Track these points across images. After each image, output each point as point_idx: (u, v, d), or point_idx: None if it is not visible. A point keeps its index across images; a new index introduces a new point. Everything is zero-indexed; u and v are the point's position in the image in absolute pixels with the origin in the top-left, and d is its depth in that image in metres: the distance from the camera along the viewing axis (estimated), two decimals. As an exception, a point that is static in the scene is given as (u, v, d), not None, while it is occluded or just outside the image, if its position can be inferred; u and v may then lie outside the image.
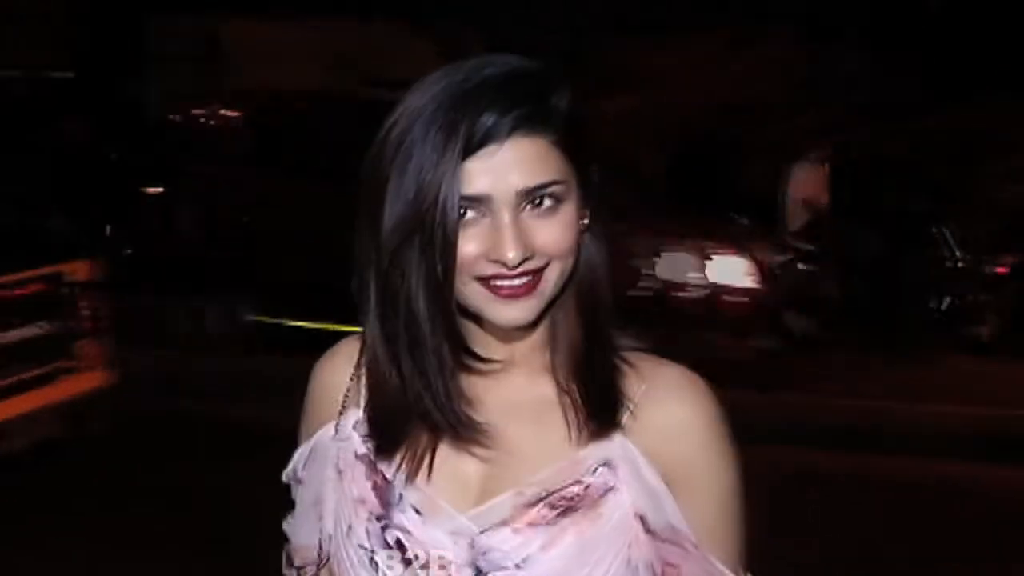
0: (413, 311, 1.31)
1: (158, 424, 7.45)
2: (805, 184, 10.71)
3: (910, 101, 12.65)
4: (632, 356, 1.40)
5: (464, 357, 1.36)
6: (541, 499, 1.34)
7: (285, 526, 1.55)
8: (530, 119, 1.28)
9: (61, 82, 21.08)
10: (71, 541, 5.56)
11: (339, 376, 1.48)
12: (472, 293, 1.33)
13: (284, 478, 1.54)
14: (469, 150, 1.27)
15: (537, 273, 1.32)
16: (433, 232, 1.27)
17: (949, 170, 11.80)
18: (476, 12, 14.92)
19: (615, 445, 1.36)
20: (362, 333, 1.39)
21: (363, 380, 1.42)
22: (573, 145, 1.32)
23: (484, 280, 1.32)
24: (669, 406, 1.36)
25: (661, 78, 13.53)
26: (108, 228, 11.65)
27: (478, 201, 1.29)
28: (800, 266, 10.18)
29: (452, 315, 1.33)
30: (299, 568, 1.53)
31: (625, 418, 1.36)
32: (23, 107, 19.86)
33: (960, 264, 10.73)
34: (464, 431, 1.36)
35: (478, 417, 1.37)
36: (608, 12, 13.92)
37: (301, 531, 1.52)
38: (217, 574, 5.26)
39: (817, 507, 6.35)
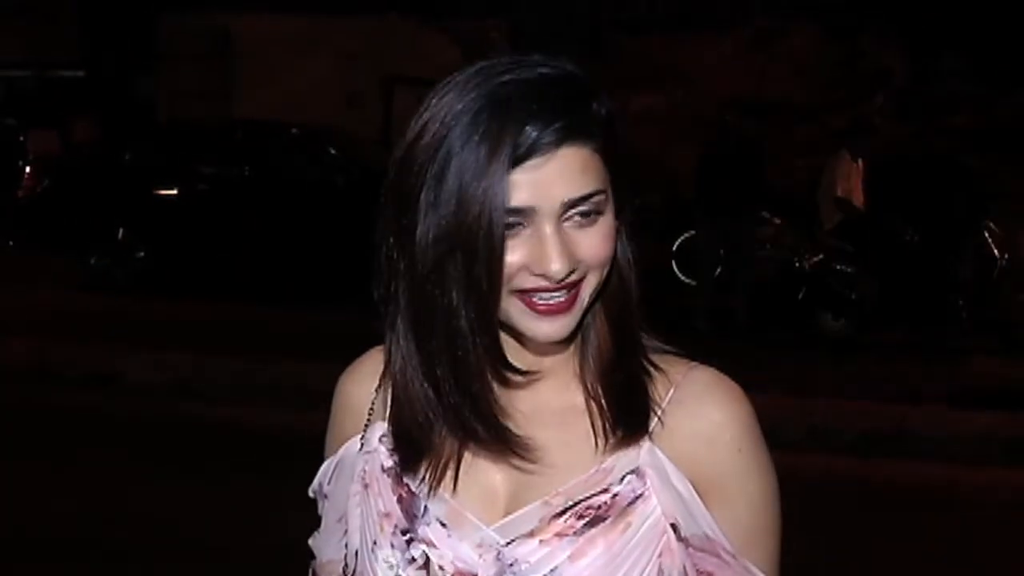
0: (454, 326, 1.28)
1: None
2: (840, 182, 10.49)
3: (946, 96, 12.43)
4: (661, 359, 1.38)
5: (503, 370, 1.32)
6: (568, 509, 1.31)
7: (311, 542, 1.51)
8: (575, 129, 1.26)
9: (71, 81, 21.02)
10: None
11: (364, 389, 1.45)
12: (510, 307, 1.29)
13: (310, 493, 1.50)
14: (515, 162, 1.24)
15: (575, 286, 1.29)
16: (478, 246, 1.25)
17: (989, 167, 11.59)
18: (497, 7, 14.76)
19: (643, 452, 1.33)
20: (386, 344, 1.36)
21: (389, 392, 1.39)
22: (611, 151, 1.29)
23: (523, 293, 1.28)
24: (699, 410, 1.34)
25: (687, 75, 13.36)
26: (121, 231, 11.47)
27: (521, 213, 1.25)
28: (836, 266, 10.01)
29: (495, 330, 1.30)
30: None
31: (653, 424, 1.34)
32: (34, 106, 19.80)
33: (1001, 264, 10.52)
34: (507, 445, 1.32)
35: (517, 430, 1.33)
36: (633, 8, 13.77)
37: (327, 547, 1.48)
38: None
39: (845, 513, 6.27)
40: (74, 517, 5.82)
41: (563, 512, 1.31)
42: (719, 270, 10.70)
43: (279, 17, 17.67)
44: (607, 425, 1.34)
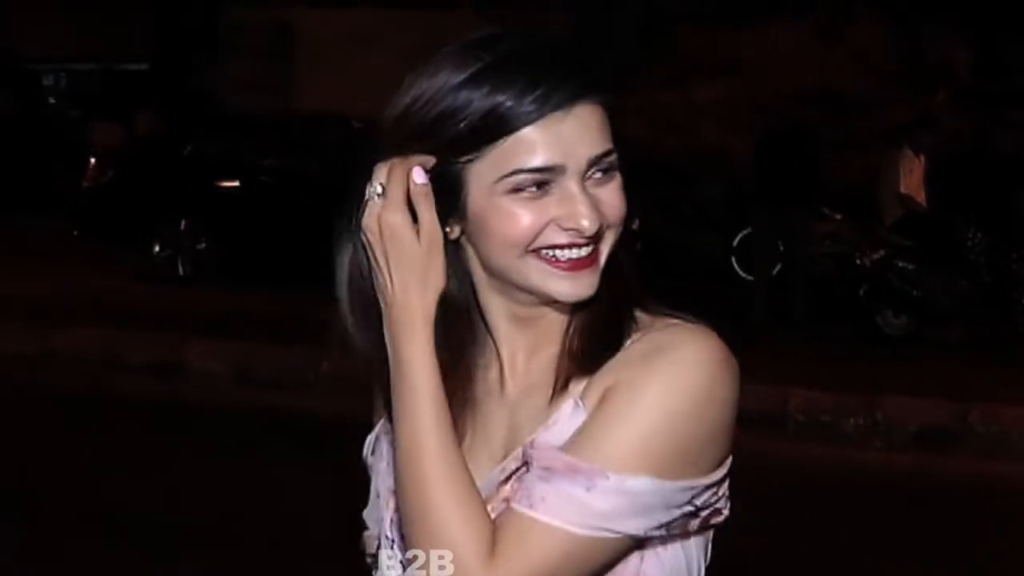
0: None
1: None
2: (902, 178, 10.38)
3: (1011, 91, 12.25)
4: (650, 317, 1.33)
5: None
6: (514, 473, 1.30)
7: (364, 514, 1.50)
8: (588, 86, 1.27)
9: (136, 74, 21.23)
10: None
11: None
12: (530, 269, 1.28)
13: (363, 462, 1.50)
14: (535, 115, 1.24)
15: (598, 243, 1.29)
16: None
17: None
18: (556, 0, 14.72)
19: (580, 411, 1.28)
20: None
21: None
22: (614, 114, 1.30)
23: (544, 251, 1.27)
24: (649, 343, 1.28)
25: (748, 67, 13.26)
26: (184, 222, 11.59)
27: (551, 171, 1.25)
28: (898, 263, 9.91)
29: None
30: (371, 555, 1.47)
31: (608, 363, 1.29)
32: (99, 99, 20.03)
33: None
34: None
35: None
36: (697, 0, 13.68)
37: (370, 520, 1.48)
38: None
39: (902, 511, 6.22)
40: (135, 500, 5.90)
41: (509, 477, 1.30)
42: (779, 266, 10.63)
43: (340, 11, 17.79)
44: (562, 372, 1.32)
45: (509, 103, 1.24)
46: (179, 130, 13.86)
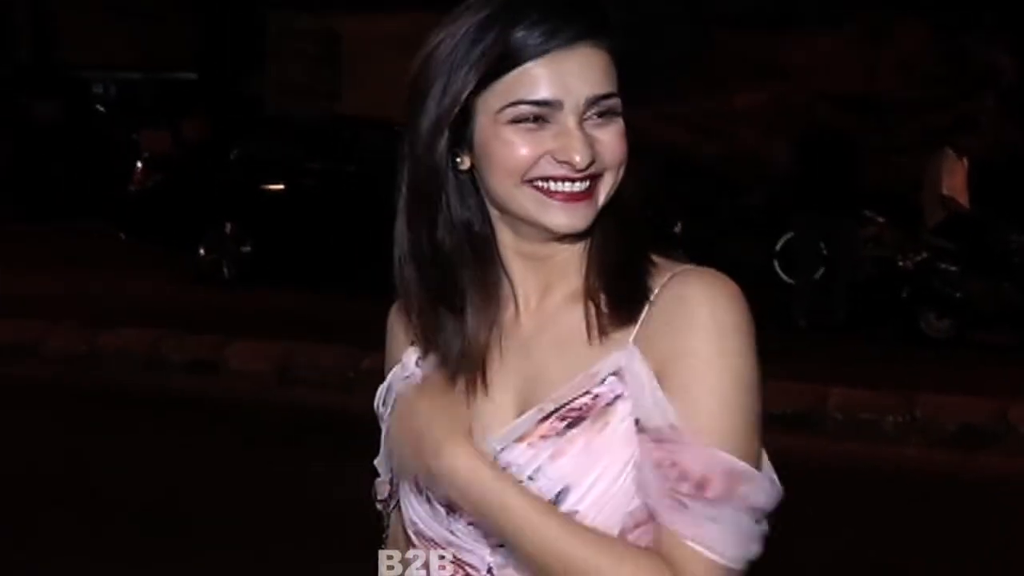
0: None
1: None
2: (944, 179, 10.35)
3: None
4: (665, 261, 1.39)
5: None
6: (554, 412, 1.35)
7: (376, 461, 1.57)
8: (593, 28, 1.31)
9: (184, 83, 21.44)
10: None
11: (405, 316, 1.51)
12: (525, 199, 1.33)
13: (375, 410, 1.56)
14: (538, 52, 1.30)
15: (595, 180, 1.33)
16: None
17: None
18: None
19: (624, 354, 1.34)
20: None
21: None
22: (621, 61, 1.34)
23: (542, 181, 1.32)
24: (677, 297, 1.33)
25: (791, 72, 13.25)
26: (228, 226, 11.71)
27: (548, 106, 1.30)
28: (940, 265, 9.88)
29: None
30: (382, 501, 1.55)
31: (644, 313, 1.34)
32: (148, 106, 20.25)
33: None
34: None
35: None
36: (739, 5, 13.68)
37: (383, 466, 1.55)
38: None
39: (938, 508, 6.20)
40: (175, 496, 5.98)
41: (549, 415, 1.35)
42: (821, 270, 10.62)
43: (386, 16, 17.87)
44: (600, 319, 1.36)
45: (518, 38, 1.30)
46: (225, 136, 13.97)
